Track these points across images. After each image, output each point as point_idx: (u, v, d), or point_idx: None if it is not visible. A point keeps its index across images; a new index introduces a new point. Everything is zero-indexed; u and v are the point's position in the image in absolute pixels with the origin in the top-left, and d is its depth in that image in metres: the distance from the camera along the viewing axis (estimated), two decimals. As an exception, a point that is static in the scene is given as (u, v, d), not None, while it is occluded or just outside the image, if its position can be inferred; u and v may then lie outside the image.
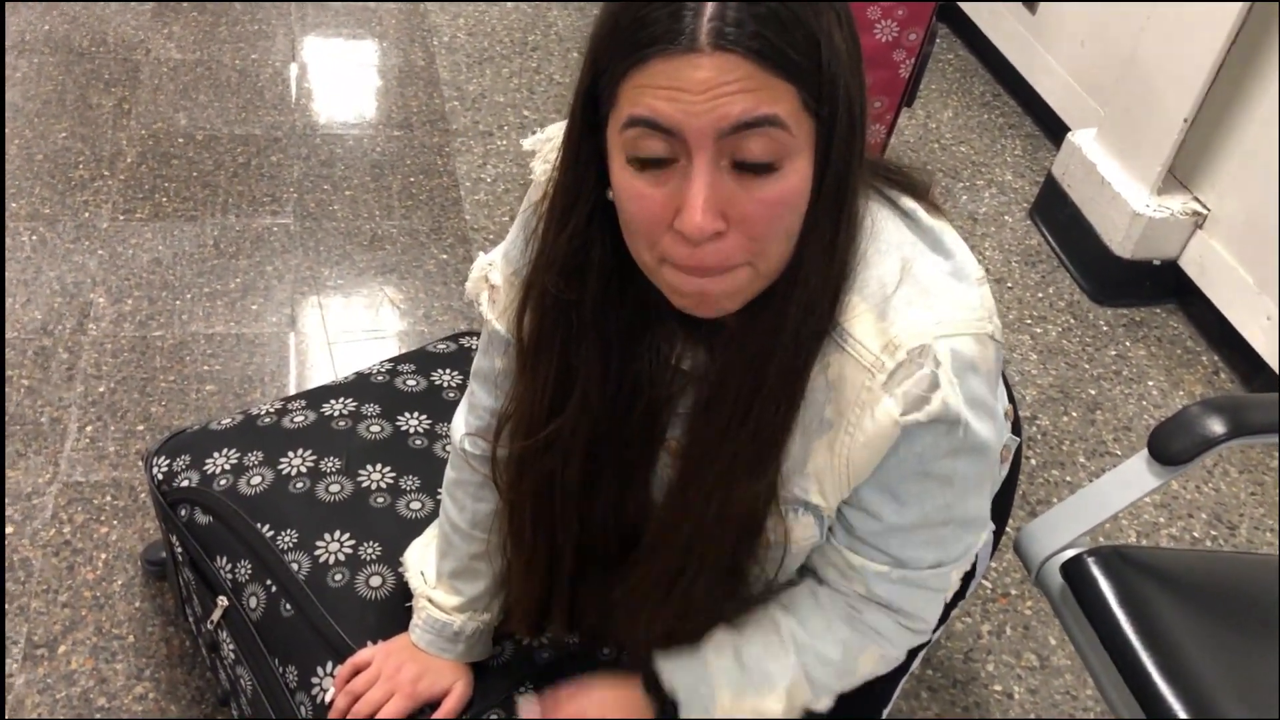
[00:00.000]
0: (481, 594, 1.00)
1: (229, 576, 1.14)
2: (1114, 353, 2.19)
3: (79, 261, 2.01)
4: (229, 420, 1.28)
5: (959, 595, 0.98)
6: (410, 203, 2.28)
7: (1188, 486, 1.92)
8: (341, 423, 1.26)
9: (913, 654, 0.92)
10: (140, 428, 1.73)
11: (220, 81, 2.53)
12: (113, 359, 1.83)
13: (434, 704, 1.00)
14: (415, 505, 1.16)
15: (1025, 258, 2.41)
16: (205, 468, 1.21)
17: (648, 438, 0.82)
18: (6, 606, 1.46)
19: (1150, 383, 2.13)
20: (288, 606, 1.08)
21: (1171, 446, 1.12)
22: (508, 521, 0.91)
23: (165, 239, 2.09)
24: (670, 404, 0.81)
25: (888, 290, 0.72)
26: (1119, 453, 1.97)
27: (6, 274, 1.95)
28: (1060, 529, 1.19)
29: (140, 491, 1.63)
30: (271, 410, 1.29)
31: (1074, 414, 2.04)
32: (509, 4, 3.00)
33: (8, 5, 2.63)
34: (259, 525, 1.14)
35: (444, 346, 1.43)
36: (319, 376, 1.85)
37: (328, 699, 1.01)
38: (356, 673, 1.01)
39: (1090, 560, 1.15)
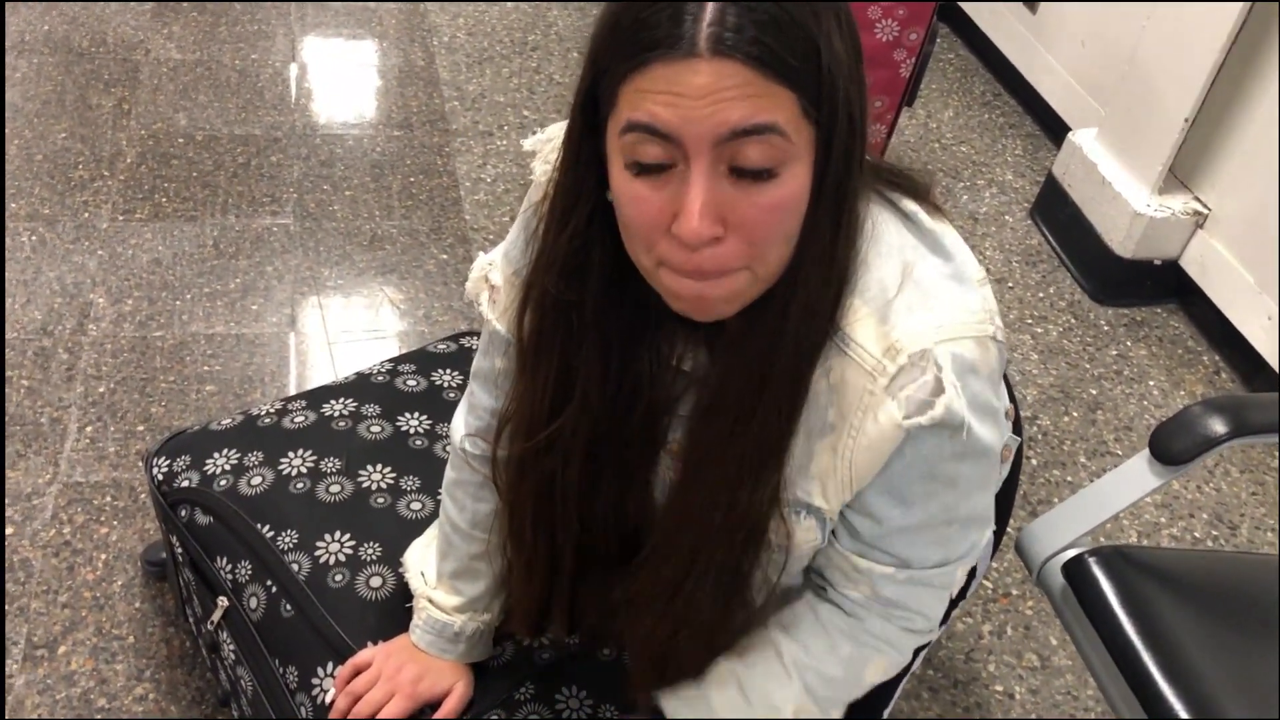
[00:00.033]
0: (482, 594, 1.00)
1: (229, 577, 1.14)
2: (1115, 352, 2.19)
3: (79, 262, 2.01)
4: (229, 420, 1.28)
5: (960, 595, 0.98)
6: (410, 203, 2.28)
7: (1189, 486, 1.92)
8: (342, 423, 1.25)
9: (915, 652, 0.92)
10: (140, 428, 1.73)
11: (220, 82, 2.53)
12: (113, 359, 1.83)
13: (435, 704, 1.00)
14: (416, 506, 1.16)
15: (1026, 257, 2.41)
16: (205, 468, 1.21)
17: (648, 439, 0.82)
18: (6, 607, 1.46)
19: (1151, 382, 2.13)
20: (288, 607, 1.08)
21: (1173, 446, 1.12)
22: (508, 522, 0.91)
23: (165, 239, 2.09)
24: (671, 406, 0.81)
25: (889, 294, 0.72)
26: (1120, 453, 1.97)
27: (6, 274, 1.95)
28: (1061, 529, 1.19)
29: (140, 492, 1.63)
30: (272, 410, 1.29)
31: (1075, 414, 2.04)
32: (509, 4, 3.00)
33: (7, 5, 2.63)
34: (259, 526, 1.14)
35: (444, 346, 1.43)
36: (319, 377, 1.85)
37: (328, 699, 1.01)
38: (357, 673, 1.01)
39: (1091, 560, 1.15)
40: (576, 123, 0.70)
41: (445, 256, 2.15)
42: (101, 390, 1.78)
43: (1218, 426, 1.11)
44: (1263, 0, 1.94)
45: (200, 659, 1.42)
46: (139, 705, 1.38)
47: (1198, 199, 2.22)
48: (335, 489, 1.17)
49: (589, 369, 0.77)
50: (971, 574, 1.05)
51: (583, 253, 0.74)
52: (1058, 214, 2.43)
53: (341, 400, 1.29)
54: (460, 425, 0.98)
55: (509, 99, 2.63)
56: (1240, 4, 1.93)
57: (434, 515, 1.11)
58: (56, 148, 2.26)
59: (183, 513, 1.20)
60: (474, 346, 1.37)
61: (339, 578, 1.09)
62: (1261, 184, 2.05)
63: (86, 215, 2.11)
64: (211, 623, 1.15)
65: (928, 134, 2.75)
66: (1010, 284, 2.33)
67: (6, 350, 1.81)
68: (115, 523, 1.59)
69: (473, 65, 2.74)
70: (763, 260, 0.67)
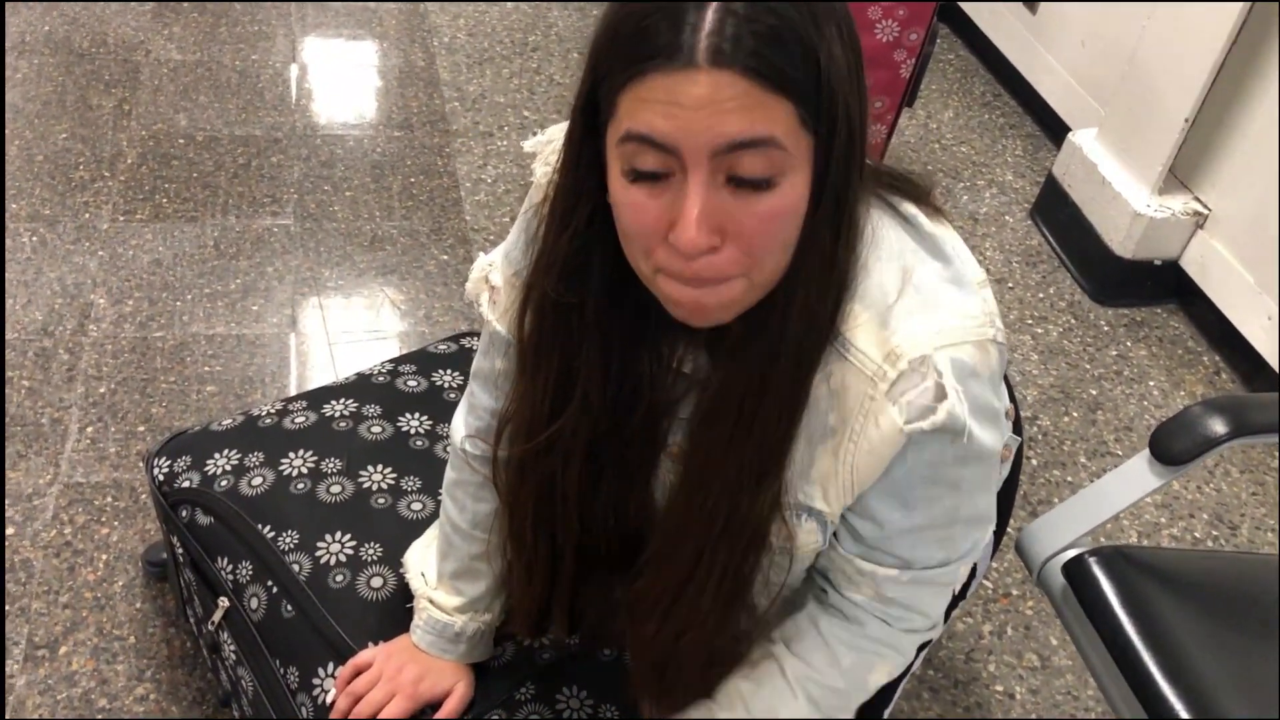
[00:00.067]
0: (483, 594, 1.00)
1: (230, 577, 1.14)
2: (1115, 353, 2.19)
3: (79, 262, 2.01)
4: (230, 421, 1.28)
5: (961, 595, 0.98)
6: (411, 203, 2.28)
7: (1189, 486, 1.92)
8: (342, 423, 1.26)
9: (919, 649, 0.93)
10: (141, 429, 1.73)
11: (220, 82, 2.53)
12: (113, 360, 1.83)
13: (435, 705, 1.00)
14: (416, 506, 1.16)
15: (1026, 258, 2.41)
16: (206, 468, 1.21)
17: (649, 441, 0.82)
18: (7, 608, 1.46)
19: (1151, 383, 2.13)
20: (289, 607, 1.08)
21: (1173, 446, 1.12)
22: (508, 523, 0.91)
23: (166, 240, 2.09)
24: (672, 408, 0.81)
25: (889, 299, 0.72)
26: (1120, 453, 1.97)
27: (7, 275, 1.95)
28: (1061, 529, 1.19)
29: (141, 492, 1.63)
30: (272, 411, 1.29)
31: (1075, 414, 2.04)
32: (509, 4, 3.00)
33: (8, 6, 2.63)
34: (260, 526, 1.14)
35: (445, 347, 1.43)
36: (320, 377, 1.85)
37: (329, 700, 1.01)
38: (358, 674, 1.01)
39: (1092, 560, 1.15)
40: (577, 125, 0.70)
41: (446, 257, 2.15)
42: (102, 391, 1.78)
43: (1218, 427, 1.11)
44: (1263, 0, 1.94)
45: (201, 659, 1.42)
46: (140, 706, 1.38)
47: (1198, 199, 2.22)
48: (336, 489, 1.17)
49: (589, 371, 0.77)
50: (972, 574, 1.05)
51: (583, 255, 0.73)
52: (1058, 214, 2.44)
53: (342, 401, 1.29)
54: (460, 426, 0.98)
55: (509, 99, 2.63)
56: (1240, 4, 1.93)
57: (435, 516, 1.11)
58: (57, 148, 2.26)
59: (183, 513, 1.20)
60: (474, 347, 1.37)
61: (340, 578, 1.09)
62: (1261, 184, 2.05)
63: (87, 216, 2.11)
64: (212, 623, 1.15)
65: (928, 134, 2.75)
66: (1010, 284, 2.33)
67: (7, 351, 1.81)
68: (116, 523, 1.59)
69: (473, 66, 2.74)
70: (760, 268, 0.67)
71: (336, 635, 1.05)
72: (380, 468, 1.20)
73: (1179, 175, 2.25)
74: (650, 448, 0.83)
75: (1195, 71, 2.05)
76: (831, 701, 0.87)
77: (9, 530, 1.56)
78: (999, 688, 1.56)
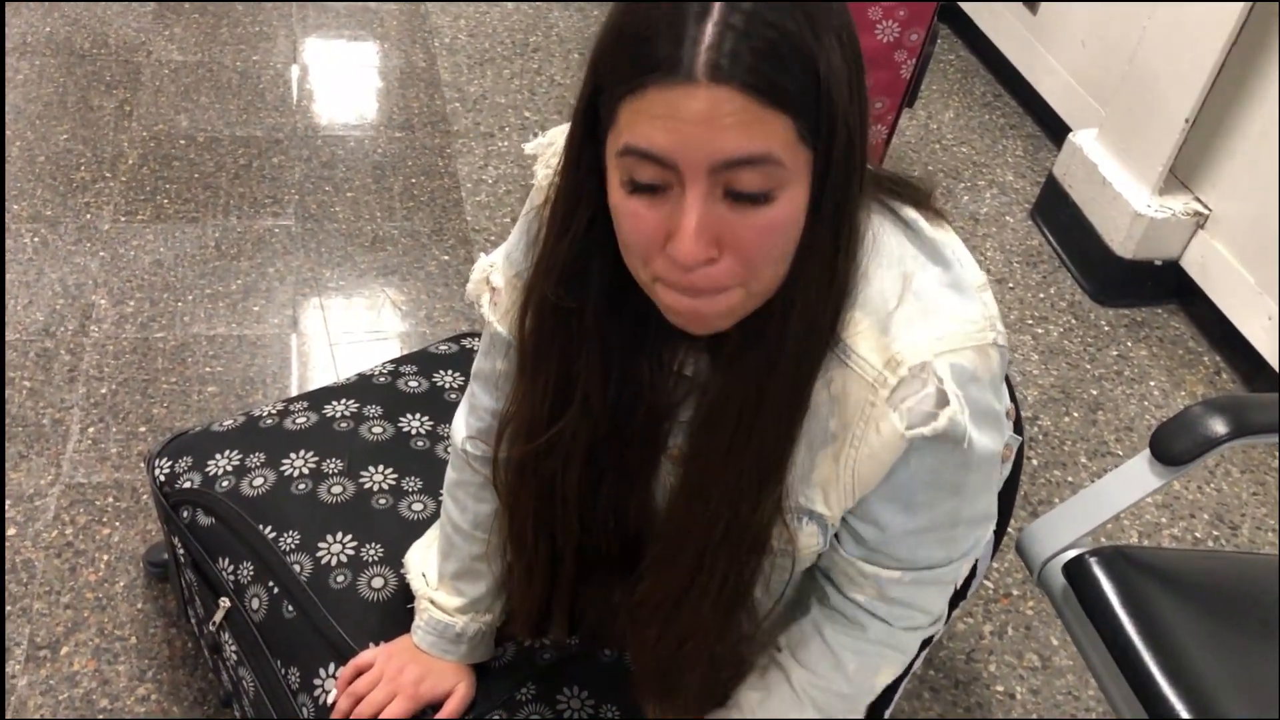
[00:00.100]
0: (483, 595, 1.00)
1: (231, 578, 1.14)
2: (1115, 353, 2.19)
3: (80, 263, 2.01)
4: (231, 422, 1.28)
5: (961, 594, 0.98)
6: (411, 204, 2.28)
7: (1189, 487, 1.92)
8: (343, 424, 1.26)
9: (921, 646, 0.93)
10: (142, 429, 1.73)
11: (221, 83, 2.54)
12: (114, 360, 1.83)
13: (436, 705, 1.00)
14: (417, 507, 1.16)
15: (1026, 258, 2.41)
16: (207, 469, 1.21)
17: (649, 443, 0.82)
18: (9, 608, 1.46)
19: (1152, 383, 2.13)
20: (290, 608, 1.08)
21: (1173, 446, 1.12)
22: (508, 524, 0.91)
23: (167, 241, 2.09)
24: (672, 411, 0.81)
25: (889, 305, 0.72)
26: (1120, 453, 1.97)
27: (8, 276, 1.95)
28: (1062, 529, 1.19)
29: (142, 493, 1.64)
30: (273, 411, 1.29)
31: (1075, 414, 2.04)
32: (510, 5, 3.00)
33: (9, 7, 2.63)
34: (261, 527, 1.14)
35: (446, 348, 1.43)
36: (321, 378, 1.85)
37: (330, 700, 1.01)
38: (359, 674, 1.01)
39: (1092, 560, 1.15)
40: (577, 129, 0.70)
41: (447, 258, 2.16)
42: (103, 391, 1.78)
43: (1218, 427, 1.11)
44: (1263, 0, 1.94)
45: (202, 660, 1.42)
46: (141, 706, 1.38)
47: (1198, 199, 2.22)
48: (337, 490, 1.17)
49: (589, 374, 0.77)
50: (972, 573, 1.06)
51: (583, 259, 0.73)
52: (1058, 215, 2.44)
53: (343, 401, 1.29)
54: (461, 426, 0.99)
55: (510, 100, 2.63)
56: (1241, 4, 1.93)
57: (435, 516, 1.11)
58: (58, 149, 2.26)
59: (185, 514, 1.20)
60: (475, 348, 1.37)
61: (341, 578, 1.09)
62: (1262, 184, 2.05)
63: (88, 217, 2.11)
64: (213, 623, 1.15)
65: (928, 135, 2.75)
66: (1011, 285, 2.33)
67: (8, 351, 1.82)
68: (117, 524, 1.59)
69: (474, 67, 2.74)
70: (757, 278, 0.67)
71: (338, 636, 1.05)
72: (381, 468, 1.20)
73: (1179, 175, 2.25)
74: (650, 450, 0.83)
75: (1196, 72, 2.05)
76: (838, 705, 0.88)
77: (10, 531, 1.56)
78: (1000, 688, 1.56)
